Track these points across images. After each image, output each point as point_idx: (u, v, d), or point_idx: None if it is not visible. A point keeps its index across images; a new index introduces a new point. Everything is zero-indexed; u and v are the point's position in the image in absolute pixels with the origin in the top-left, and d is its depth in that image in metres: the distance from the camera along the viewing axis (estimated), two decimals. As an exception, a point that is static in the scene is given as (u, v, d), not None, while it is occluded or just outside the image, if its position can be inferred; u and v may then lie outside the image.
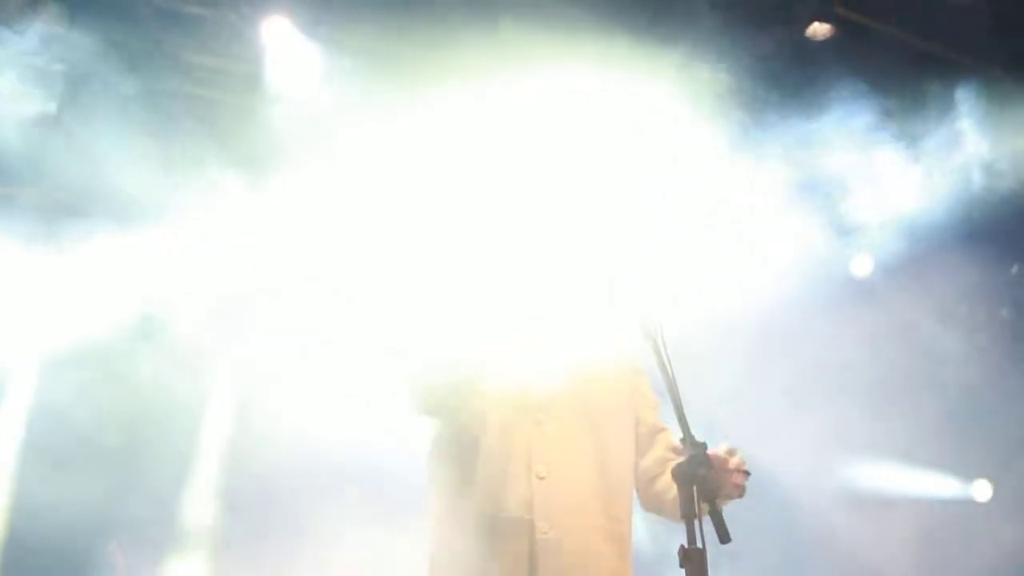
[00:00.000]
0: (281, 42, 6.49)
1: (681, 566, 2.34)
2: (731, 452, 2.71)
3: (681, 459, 2.45)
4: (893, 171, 7.03)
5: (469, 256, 3.05)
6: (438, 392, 2.84)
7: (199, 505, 7.37)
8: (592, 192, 3.29)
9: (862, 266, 7.86)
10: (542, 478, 2.80)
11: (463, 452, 2.85)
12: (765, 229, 6.90)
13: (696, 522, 2.36)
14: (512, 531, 2.75)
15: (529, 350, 2.93)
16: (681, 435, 2.48)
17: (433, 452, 2.98)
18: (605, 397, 3.00)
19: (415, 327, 2.93)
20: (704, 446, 2.46)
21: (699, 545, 2.35)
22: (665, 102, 6.09)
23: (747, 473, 2.68)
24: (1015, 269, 8.01)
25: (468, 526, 2.78)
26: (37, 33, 6.10)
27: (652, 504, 3.07)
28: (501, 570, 2.73)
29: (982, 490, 8.36)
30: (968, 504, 8.33)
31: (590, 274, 2.95)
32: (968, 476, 8.37)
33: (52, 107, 6.25)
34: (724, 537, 2.37)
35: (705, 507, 2.36)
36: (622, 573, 2.88)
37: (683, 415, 2.53)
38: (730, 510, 2.51)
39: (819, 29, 6.59)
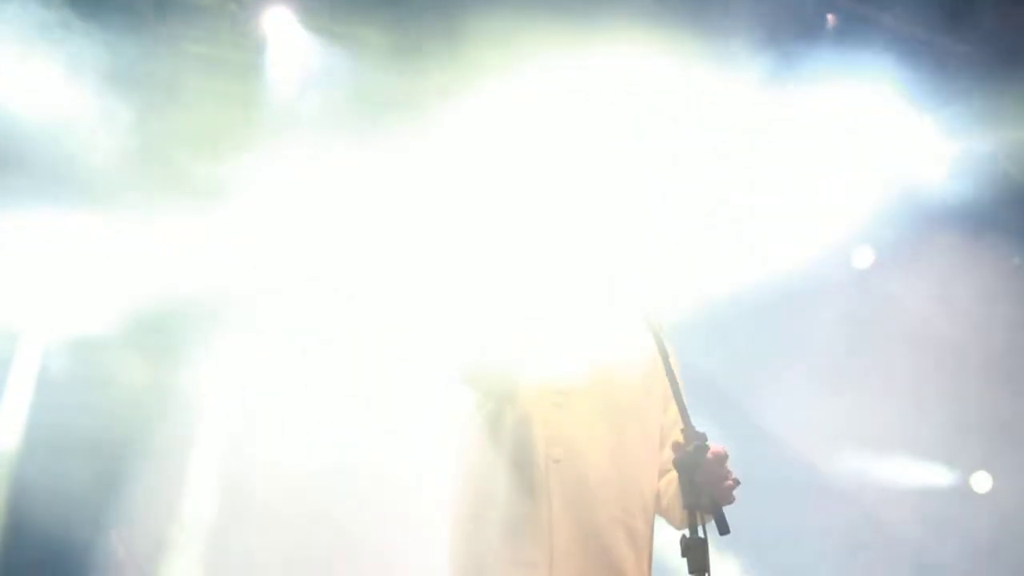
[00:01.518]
0: (282, 33, 6.49)
1: (683, 556, 2.35)
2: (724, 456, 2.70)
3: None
4: (895, 164, 7.03)
5: (486, 246, 3.07)
6: (485, 383, 2.94)
7: (198, 499, 7.37)
8: (600, 188, 3.29)
9: (863, 258, 7.87)
10: (557, 461, 2.83)
11: (487, 427, 2.90)
12: (767, 220, 6.90)
13: (697, 512, 2.37)
14: (530, 501, 2.79)
15: (552, 335, 2.97)
16: (681, 426, 2.48)
17: (461, 425, 3.02)
18: (630, 395, 3.00)
19: (454, 316, 2.97)
20: (704, 437, 2.46)
21: (700, 535, 2.36)
22: (666, 101, 6.09)
23: (737, 481, 2.68)
24: (1016, 261, 8.01)
25: (490, 495, 2.83)
26: (35, 21, 6.10)
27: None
28: (524, 536, 2.77)
29: (982, 481, 8.36)
30: (967, 495, 8.33)
31: (605, 266, 2.96)
32: (968, 467, 8.37)
33: (50, 98, 6.24)
34: (723, 528, 2.38)
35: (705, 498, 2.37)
36: (637, 569, 2.87)
37: (684, 406, 2.53)
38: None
39: (821, 20, 6.59)
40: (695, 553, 2.34)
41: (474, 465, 2.90)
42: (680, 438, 3.04)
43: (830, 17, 6.46)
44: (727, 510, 2.44)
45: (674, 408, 3.07)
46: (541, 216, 3.06)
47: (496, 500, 2.82)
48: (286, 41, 6.49)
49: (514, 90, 5.87)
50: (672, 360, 2.69)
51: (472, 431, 2.94)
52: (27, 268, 6.66)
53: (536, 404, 2.89)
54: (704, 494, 2.41)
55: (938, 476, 8.33)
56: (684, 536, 2.36)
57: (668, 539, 2.81)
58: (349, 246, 6.46)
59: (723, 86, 6.21)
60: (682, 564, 2.36)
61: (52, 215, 6.60)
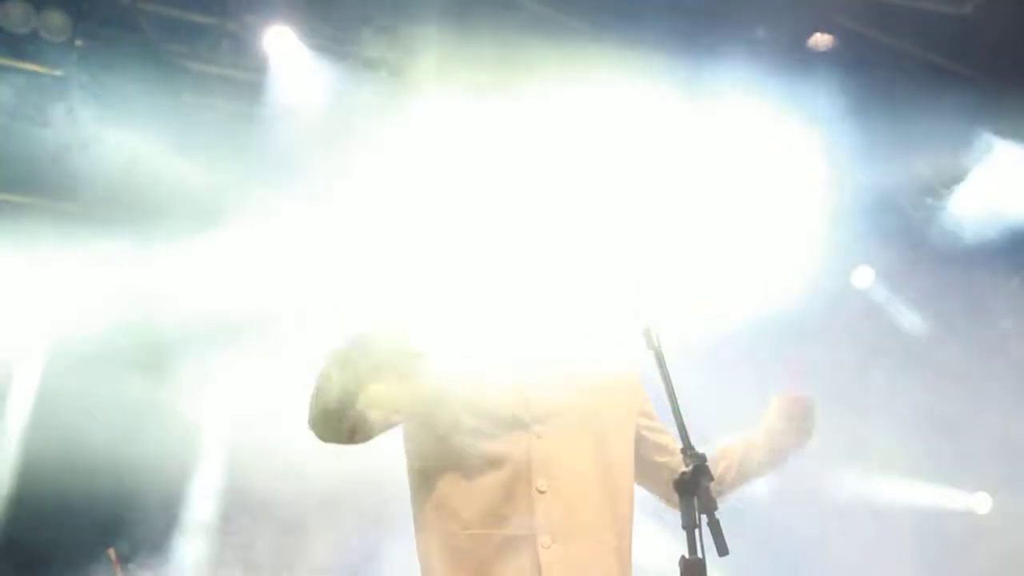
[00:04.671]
0: (284, 51, 6.51)
1: (682, 577, 2.34)
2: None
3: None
4: (894, 182, 7.04)
5: (471, 266, 3.01)
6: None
7: (198, 514, 7.37)
8: (590, 201, 3.27)
9: (863, 277, 7.87)
10: (543, 492, 2.73)
11: (458, 467, 2.77)
12: (766, 239, 6.90)
13: (696, 532, 2.36)
14: (514, 548, 2.69)
15: (528, 362, 2.89)
16: (681, 445, 2.47)
17: (419, 467, 2.89)
18: (607, 411, 2.93)
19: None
20: (704, 457, 2.45)
21: (699, 555, 2.35)
22: (669, 111, 6.10)
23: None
24: (1016, 281, 8.01)
25: (465, 545, 2.72)
26: (40, 43, 6.13)
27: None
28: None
29: (982, 502, 8.35)
30: (968, 516, 8.31)
31: (589, 284, 2.92)
32: (968, 488, 8.36)
33: (51, 118, 6.26)
34: (722, 549, 2.35)
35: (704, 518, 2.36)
36: None
37: (683, 425, 2.51)
38: (727, 519, 2.49)
39: (820, 40, 6.62)
40: (694, 574, 2.33)
41: (451, 514, 2.76)
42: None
43: (821, 39, 6.49)
44: (726, 530, 2.42)
45: (652, 424, 3.05)
46: (537, 229, 3.03)
47: (479, 549, 2.71)
48: (287, 59, 6.52)
49: (515, 101, 5.89)
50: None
51: (443, 477, 2.79)
52: (29, 285, 6.68)
53: (516, 437, 2.78)
54: (707, 509, 2.37)
55: (938, 497, 8.31)
56: (683, 557, 2.35)
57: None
58: (352, 258, 6.45)
59: (722, 106, 6.24)
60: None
61: (52, 232, 6.62)
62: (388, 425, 2.85)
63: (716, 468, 2.98)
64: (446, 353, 2.86)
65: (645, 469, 3.03)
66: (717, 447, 3.15)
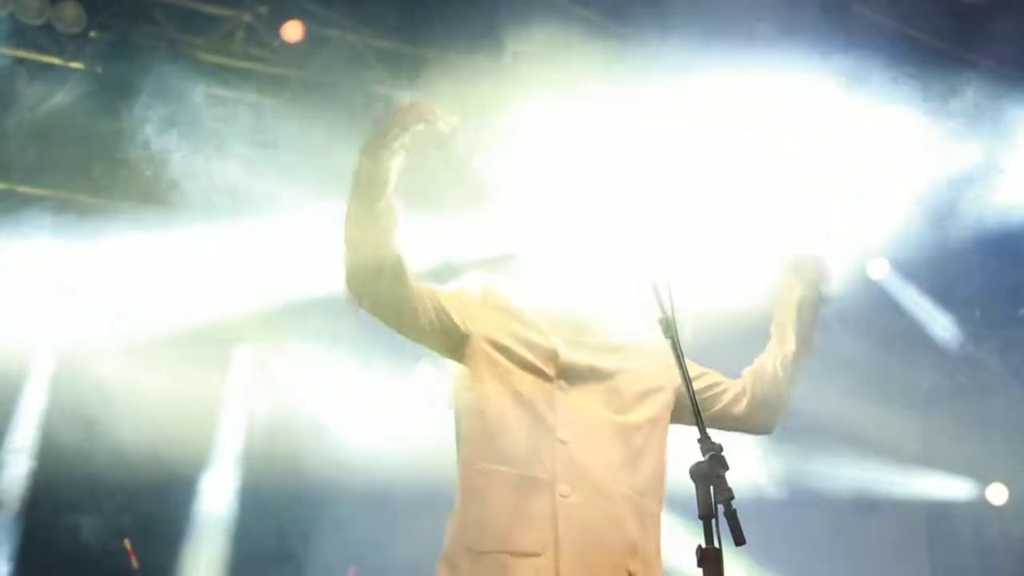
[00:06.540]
0: (298, 43, 6.51)
1: (699, 566, 2.34)
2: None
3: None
4: (911, 171, 7.01)
5: (510, 230, 3.12)
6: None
7: (215, 504, 7.40)
8: (623, 186, 3.29)
9: (878, 268, 7.85)
10: (564, 443, 2.82)
11: (487, 413, 2.87)
12: (782, 228, 6.87)
13: (713, 522, 2.36)
14: (533, 490, 2.77)
15: (554, 320, 2.99)
16: (698, 435, 2.48)
17: (460, 403, 2.98)
18: (636, 377, 3.00)
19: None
20: (720, 447, 2.45)
21: (716, 545, 2.35)
22: (688, 99, 6.09)
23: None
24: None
25: (491, 478, 2.80)
26: (55, 34, 6.15)
27: (766, 383, 3.27)
28: (525, 527, 2.75)
29: (997, 493, 8.33)
30: (983, 507, 8.30)
31: (619, 260, 2.98)
32: (983, 479, 8.34)
33: (66, 107, 6.28)
34: (739, 539, 2.35)
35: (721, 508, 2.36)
36: (646, 547, 2.85)
37: (700, 415, 2.53)
38: (743, 508, 2.48)
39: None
40: (711, 564, 2.33)
41: (477, 450, 2.86)
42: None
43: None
44: (743, 521, 2.41)
45: (710, 375, 3.14)
46: (569, 202, 3.08)
47: (500, 485, 2.80)
48: (303, 52, 6.53)
49: (533, 96, 5.87)
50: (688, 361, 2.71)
51: (473, 415, 2.90)
52: (46, 282, 6.70)
53: (541, 387, 2.88)
54: (723, 499, 2.37)
55: (954, 488, 8.30)
56: (700, 546, 2.36)
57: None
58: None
59: (742, 93, 6.21)
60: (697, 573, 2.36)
61: (66, 223, 6.64)
62: (424, 314, 2.87)
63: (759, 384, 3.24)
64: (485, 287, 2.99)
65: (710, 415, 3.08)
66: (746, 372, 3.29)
